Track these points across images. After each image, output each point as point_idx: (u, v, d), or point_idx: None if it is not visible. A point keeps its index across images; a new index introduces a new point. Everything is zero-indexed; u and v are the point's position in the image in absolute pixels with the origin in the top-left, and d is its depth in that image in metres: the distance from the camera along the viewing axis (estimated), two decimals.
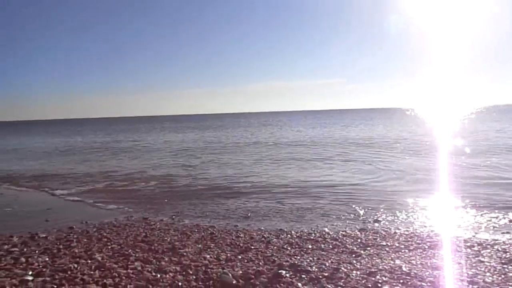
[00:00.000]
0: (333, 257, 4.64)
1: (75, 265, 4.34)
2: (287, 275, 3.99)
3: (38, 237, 5.67)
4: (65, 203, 8.60)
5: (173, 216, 7.06)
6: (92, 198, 8.97)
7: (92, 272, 4.15)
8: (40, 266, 4.33)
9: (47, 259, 4.61)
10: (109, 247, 5.14)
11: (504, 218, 6.54)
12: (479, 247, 4.90)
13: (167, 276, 4.04)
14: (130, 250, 4.95)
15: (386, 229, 5.93)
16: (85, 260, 4.55)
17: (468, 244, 5.02)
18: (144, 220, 6.80)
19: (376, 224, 6.25)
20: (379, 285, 3.72)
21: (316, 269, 4.14)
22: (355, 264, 4.32)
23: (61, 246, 5.16)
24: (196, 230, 6.01)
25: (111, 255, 4.78)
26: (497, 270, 4.06)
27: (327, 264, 4.31)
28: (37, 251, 4.95)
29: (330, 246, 5.11)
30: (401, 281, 3.80)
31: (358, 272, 4.04)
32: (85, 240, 5.52)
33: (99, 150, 22.84)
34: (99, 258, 4.61)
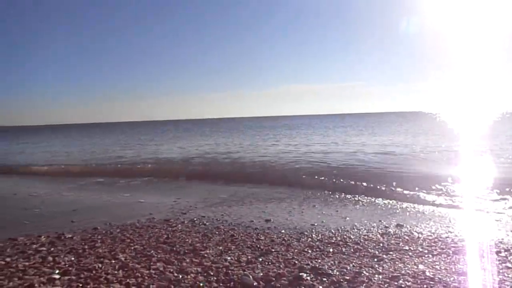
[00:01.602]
0: (354, 261, 4.60)
1: (100, 265, 4.44)
2: (308, 278, 3.98)
3: (65, 237, 5.83)
4: (90, 204, 8.80)
5: (195, 219, 7.13)
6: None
7: (115, 272, 4.24)
8: (67, 265, 4.46)
9: (73, 258, 4.74)
10: (132, 248, 5.24)
11: None
12: (506, 253, 4.76)
13: (189, 277, 4.09)
14: (152, 251, 5.04)
15: (409, 234, 5.82)
16: (109, 260, 4.66)
17: (495, 249, 4.88)
18: (166, 221, 6.89)
19: (399, 229, 6.15)
20: None
21: (338, 273, 4.11)
22: (377, 268, 4.27)
23: (86, 246, 5.29)
24: (217, 233, 6.06)
25: (134, 255, 4.88)
26: None
27: (348, 268, 4.28)
28: (63, 251, 5.10)
29: (352, 250, 5.06)
30: (425, 286, 3.73)
31: (380, 277, 3.99)
32: (109, 240, 5.64)
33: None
34: (123, 258, 4.71)
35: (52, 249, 5.20)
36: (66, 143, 38.18)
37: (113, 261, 4.60)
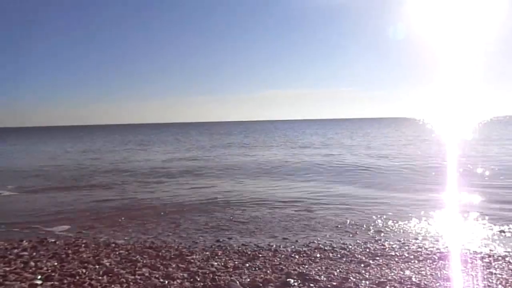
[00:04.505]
0: (341, 266, 4.60)
1: (83, 270, 4.36)
2: (295, 284, 3.96)
3: (47, 241, 5.71)
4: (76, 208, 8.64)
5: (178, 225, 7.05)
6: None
7: (100, 277, 4.16)
8: (49, 271, 4.35)
9: (55, 263, 4.63)
10: (117, 252, 5.15)
11: None
12: (490, 258, 4.83)
13: (175, 282, 4.03)
14: (137, 256, 4.96)
15: (395, 239, 5.86)
16: (93, 265, 4.57)
17: (479, 255, 4.95)
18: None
19: (385, 234, 6.19)
20: None
21: (325, 278, 4.11)
22: (364, 274, 4.28)
23: (69, 251, 5.18)
24: (202, 237, 6.01)
25: (119, 260, 4.80)
26: (509, 282, 3.99)
27: (335, 274, 4.28)
28: (46, 256, 4.98)
29: (339, 255, 5.07)
30: None
31: (367, 282, 4.00)
32: (93, 245, 5.54)
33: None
34: (107, 264, 4.63)
35: (34, 254, 5.09)
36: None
37: (98, 266, 4.52)
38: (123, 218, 7.47)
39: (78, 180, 13.67)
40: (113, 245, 5.55)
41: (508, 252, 5.13)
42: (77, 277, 4.14)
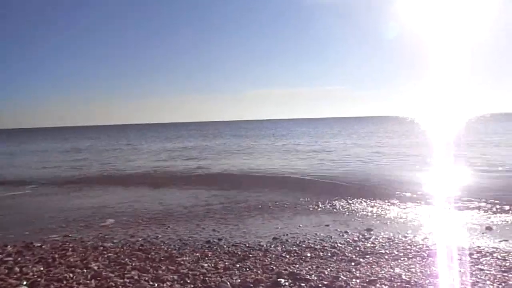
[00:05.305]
0: (332, 265, 4.60)
1: (71, 275, 4.27)
2: (286, 283, 3.95)
3: (33, 246, 5.59)
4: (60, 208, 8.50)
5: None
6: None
7: (88, 282, 4.08)
8: (35, 276, 4.26)
9: (42, 268, 4.53)
10: (105, 255, 5.07)
11: (503, 225, 6.54)
12: (478, 255, 4.88)
13: (165, 285, 3.98)
14: (126, 259, 4.89)
15: (385, 237, 5.89)
16: (81, 269, 4.49)
17: (467, 252, 4.99)
18: None
19: (375, 232, 6.21)
20: None
21: (315, 278, 4.10)
22: (355, 272, 4.28)
23: (56, 255, 5.08)
24: (192, 239, 5.96)
25: (107, 264, 4.72)
26: (497, 278, 4.03)
27: (326, 273, 4.27)
28: (31, 261, 4.88)
29: (329, 254, 5.07)
30: None
31: (358, 281, 4.00)
32: (81, 248, 5.45)
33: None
34: (95, 267, 4.55)
35: (19, 259, 4.97)
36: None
37: (85, 270, 4.44)
38: (111, 220, 7.38)
39: (68, 182, 13.48)
40: (101, 248, 5.47)
41: (496, 248, 5.19)
42: (64, 282, 4.05)
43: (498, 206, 7.88)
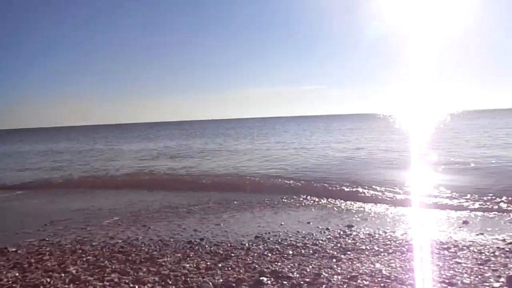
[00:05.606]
0: (314, 262, 4.63)
1: (48, 279, 4.16)
2: (268, 282, 3.95)
3: (8, 251, 5.42)
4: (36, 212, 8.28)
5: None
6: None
7: (66, 286, 3.99)
8: (10, 282, 4.13)
9: (17, 274, 4.40)
10: (84, 259, 4.96)
11: (478, 219, 6.73)
12: (455, 248, 4.99)
13: (146, 287, 3.92)
14: (106, 262, 4.80)
15: (365, 233, 5.96)
16: (59, 273, 4.38)
17: (445, 246, 5.11)
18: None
19: (355, 228, 6.29)
20: None
21: (298, 275, 4.11)
22: (336, 269, 4.32)
23: (32, 260, 4.94)
24: (173, 239, 5.89)
25: (86, 267, 4.61)
26: (474, 271, 4.13)
27: (308, 270, 4.29)
28: (6, 266, 4.72)
29: (311, 251, 5.10)
30: (382, 284, 3.82)
31: (339, 277, 4.04)
32: (59, 252, 5.32)
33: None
34: (74, 271, 4.44)
35: None
36: None
37: (63, 275, 4.33)
38: (90, 222, 7.23)
39: (45, 185, 13.16)
40: (80, 251, 5.34)
41: (472, 241, 5.32)
42: (41, 287, 3.95)
43: (473, 201, 8.12)
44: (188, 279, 4.09)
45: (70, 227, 6.90)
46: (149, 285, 3.97)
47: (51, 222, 7.32)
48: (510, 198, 8.04)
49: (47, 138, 60.21)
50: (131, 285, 3.97)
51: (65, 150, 31.30)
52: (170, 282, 4.02)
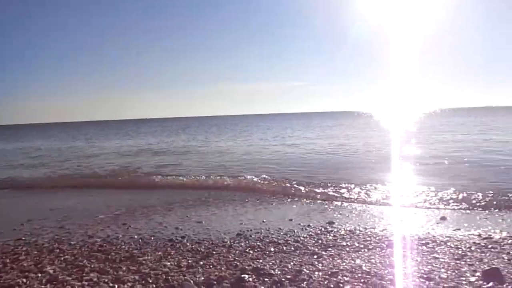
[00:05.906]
0: (295, 259, 4.65)
1: (24, 280, 4.06)
2: (250, 279, 3.95)
3: None
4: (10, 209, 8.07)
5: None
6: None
7: (43, 286, 3.90)
8: None
9: None
10: (62, 258, 4.86)
11: (455, 215, 6.89)
12: (433, 244, 5.10)
13: (125, 286, 3.87)
14: (85, 261, 4.71)
15: (346, 229, 6.03)
16: (35, 273, 4.27)
17: (423, 241, 5.21)
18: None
19: (336, 225, 6.35)
20: (341, 285, 3.76)
21: (279, 272, 4.13)
22: (317, 265, 4.35)
23: (7, 260, 4.81)
24: (153, 238, 5.83)
25: (64, 267, 4.52)
26: (451, 266, 4.23)
27: (289, 267, 4.31)
28: None
29: (292, 248, 5.12)
30: (362, 280, 3.86)
31: (320, 273, 4.07)
32: (35, 252, 5.19)
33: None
34: (51, 271, 4.34)
35: None
36: None
37: (40, 275, 4.22)
38: (68, 221, 7.08)
39: (22, 183, 12.82)
40: (58, 250, 5.23)
41: (449, 237, 5.45)
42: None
43: (450, 197, 8.30)
44: (169, 277, 4.05)
45: (48, 226, 6.74)
46: (129, 284, 3.92)
47: (28, 221, 7.14)
48: (486, 194, 8.27)
49: (23, 135, 58.71)
50: (111, 284, 3.91)
51: (43, 147, 30.58)
52: (151, 281, 3.98)
